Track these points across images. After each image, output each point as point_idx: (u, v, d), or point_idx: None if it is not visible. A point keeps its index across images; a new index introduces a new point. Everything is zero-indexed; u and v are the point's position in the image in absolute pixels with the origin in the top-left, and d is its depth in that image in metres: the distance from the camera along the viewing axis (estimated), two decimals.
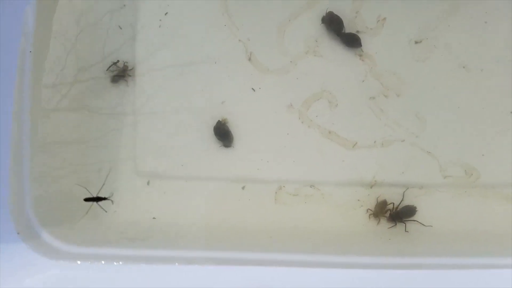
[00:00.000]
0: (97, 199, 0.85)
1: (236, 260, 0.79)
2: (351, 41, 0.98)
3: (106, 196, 0.85)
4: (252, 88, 0.99)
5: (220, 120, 0.97)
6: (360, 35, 0.99)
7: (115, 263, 0.73)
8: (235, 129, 0.98)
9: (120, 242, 0.83)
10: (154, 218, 0.93)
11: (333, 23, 0.97)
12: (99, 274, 0.75)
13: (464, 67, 0.98)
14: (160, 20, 1.00)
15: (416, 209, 0.91)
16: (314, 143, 0.98)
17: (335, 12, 0.99)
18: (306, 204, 0.95)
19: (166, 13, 1.01)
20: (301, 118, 0.98)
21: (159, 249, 0.79)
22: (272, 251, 0.83)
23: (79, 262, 0.73)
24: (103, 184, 0.86)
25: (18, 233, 0.77)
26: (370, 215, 0.91)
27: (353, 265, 0.79)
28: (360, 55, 0.99)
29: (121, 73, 0.98)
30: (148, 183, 0.95)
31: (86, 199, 0.85)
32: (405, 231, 0.90)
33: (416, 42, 0.99)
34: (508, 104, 0.97)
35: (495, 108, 0.96)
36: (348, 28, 0.99)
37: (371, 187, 0.95)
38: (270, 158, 0.97)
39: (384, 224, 0.92)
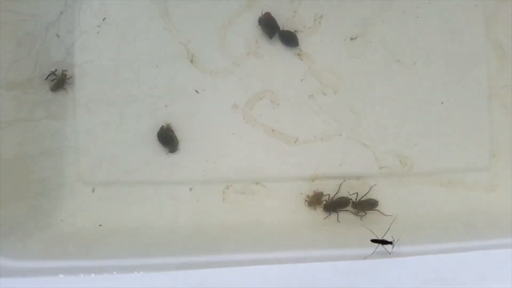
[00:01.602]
0: (383, 242, 0.84)
1: (186, 264, 0.81)
2: (288, 39, 1.00)
3: (391, 241, 0.83)
4: (196, 90, 1.01)
5: (163, 125, 0.98)
6: (299, 35, 1.01)
7: (61, 276, 0.74)
8: (179, 131, 1.00)
9: (66, 253, 0.84)
10: (100, 225, 0.95)
11: (267, 25, 0.99)
12: None
13: (398, 61, 1.02)
14: (98, 26, 1.00)
15: (350, 200, 0.97)
16: (259, 141, 1.01)
17: (273, 12, 1.01)
18: (253, 201, 0.99)
19: (104, 18, 1.00)
20: (245, 118, 1.01)
21: (107, 259, 0.81)
22: (222, 252, 0.86)
23: (24, 277, 0.73)
24: (388, 229, 0.85)
25: None
26: (305, 201, 0.97)
27: (300, 259, 0.83)
28: (299, 54, 1.02)
29: (60, 82, 0.97)
30: (93, 191, 0.97)
31: (373, 240, 0.84)
32: (337, 221, 0.96)
33: (351, 39, 1.02)
34: (439, 95, 1.02)
35: (427, 99, 1.02)
36: (287, 28, 1.01)
37: (312, 181, 1.00)
38: (216, 158, 1.00)
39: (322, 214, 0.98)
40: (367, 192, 0.98)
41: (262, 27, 1.00)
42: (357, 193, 0.97)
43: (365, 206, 0.96)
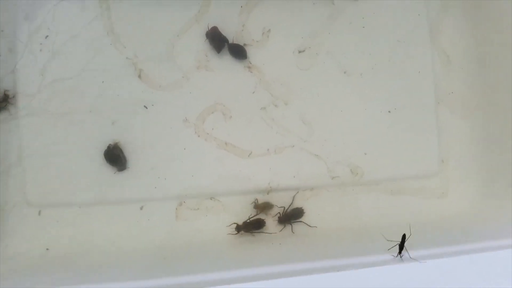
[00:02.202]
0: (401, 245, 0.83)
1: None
2: (237, 52, 1.01)
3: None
4: (145, 106, 0.99)
5: (111, 143, 0.97)
6: (248, 48, 1.02)
7: None
8: (129, 148, 0.98)
9: (12, 280, 0.81)
10: (47, 249, 0.92)
11: (214, 39, 0.99)
12: None
13: (345, 72, 1.04)
14: (41, 43, 0.97)
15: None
16: (212, 155, 1.00)
17: (222, 26, 1.01)
18: (208, 217, 0.98)
19: (47, 36, 0.98)
20: (197, 132, 1.01)
21: (55, 285, 0.78)
22: (175, 274, 0.83)
23: None
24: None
25: None
26: (253, 202, 0.98)
27: (254, 277, 0.83)
28: (249, 67, 1.02)
29: (2, 102, 0.94)
30: (39, 213, 0.94)
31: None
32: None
33: (300, 52, 1.04)
34: (386, 104, 1.05)
35: (375, 108, 1.04)
36: (236, 41, 1.02)
37: (267, 193, 1.00)
38: (168, 175, 0.98)
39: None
40: (291, 203, 0.99)
41: (209, 41, 1.00)
42: (284, 207, 0.98)
43: (292, 217, 0.97)
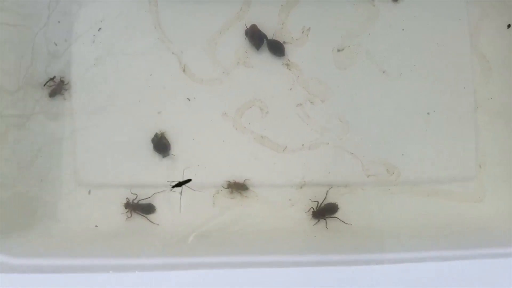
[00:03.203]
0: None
1: (178, 265, 0.84)
2: (275, 48, 1.04)
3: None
4: (188, 98, 1.04)
5: (158, 132, 1.02)
6: (287, 45, 1.05)
7: (59, 274, 0.77)
8: (172, 137, 1.03)
9: (64, 252, 0.87)
10: (96, 226, 0.97)
11: (254, 37, 1.03)
12: (45, 286, 0.78)
13: (383, 72, 1.05)
14: (94, 35, 1.04)
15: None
16: (248, 148, 1.04)
17: (262, 25, 1.05)
18: (243, 207, 1.01)
19: (100, 28, 1.05)
20: (235, 125, 1.04)
21: (103, 258, 0.84)
22: (210, 255, 0.88)
23: (22, 274, 0.77)
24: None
25: None
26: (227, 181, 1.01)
27: (285, 263, 0.85)
28: (287, 65, 1.05)
29: (58, 88, 1.01)
30: (89, 193, 1.00)
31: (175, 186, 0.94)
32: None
33: (339, 50, 1.06)
34: (425, 106, 1.05)
35: (413, 110, 1.05)
36: (275, 38, 1.05)
37: (301, 187, 1.02)
38: (207, 163, 1.02)
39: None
40: (325, 198, 0.99)
41: (249, 39, 1.04)
42: (318, 201, 0.98)
43: (326, 212, 0.97)
